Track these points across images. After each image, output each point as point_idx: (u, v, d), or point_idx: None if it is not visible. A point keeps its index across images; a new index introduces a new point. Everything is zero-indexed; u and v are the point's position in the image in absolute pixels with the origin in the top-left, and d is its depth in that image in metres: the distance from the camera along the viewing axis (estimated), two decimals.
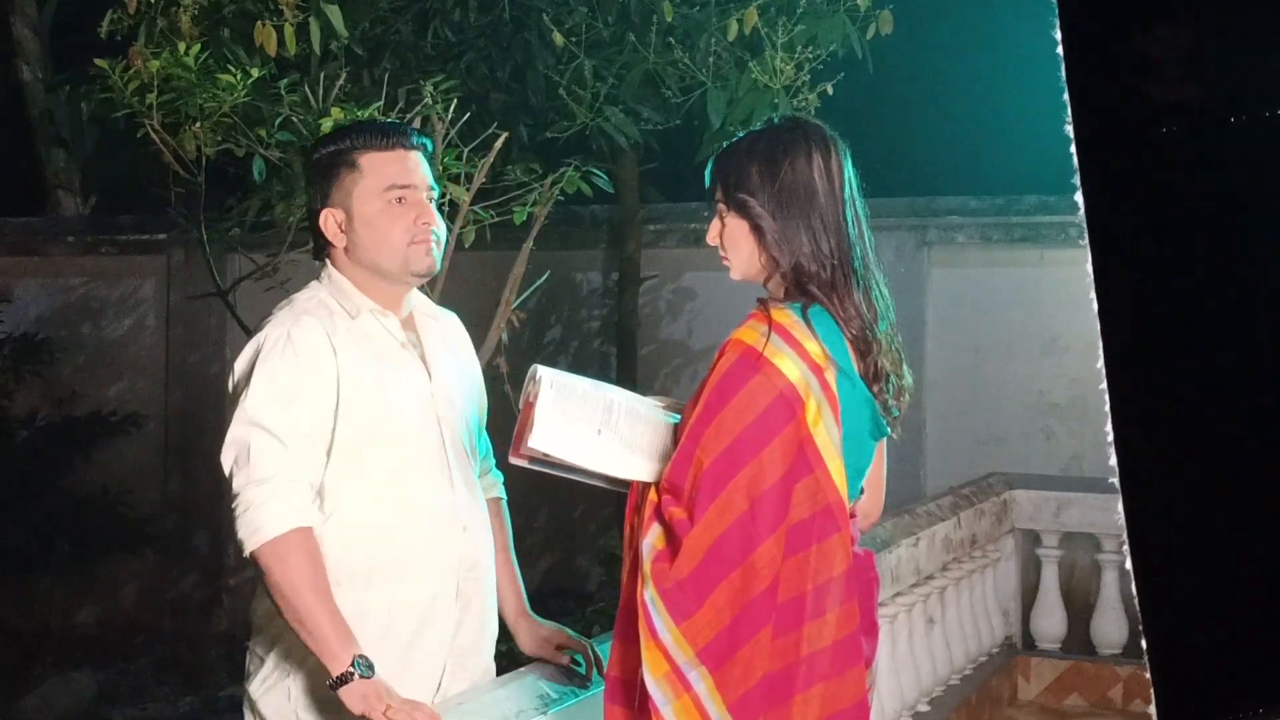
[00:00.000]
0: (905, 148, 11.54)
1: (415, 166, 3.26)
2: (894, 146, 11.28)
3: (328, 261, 3.30)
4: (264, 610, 3.30)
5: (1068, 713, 6.81)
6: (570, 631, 3.51)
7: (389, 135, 3.25)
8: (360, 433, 3.17)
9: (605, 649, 2.98)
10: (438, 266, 3.30)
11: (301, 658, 3.21)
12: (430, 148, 3.35)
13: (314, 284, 3.32)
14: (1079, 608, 7.17)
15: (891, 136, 11.40)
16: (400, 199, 3.21)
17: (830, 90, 6.25)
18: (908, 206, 8.74)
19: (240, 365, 3.18)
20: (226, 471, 3.10)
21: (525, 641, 3.52)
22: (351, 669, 2.98)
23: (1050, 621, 7.06)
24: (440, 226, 3.27)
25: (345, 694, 2.98)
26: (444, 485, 3.29)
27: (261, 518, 3.03)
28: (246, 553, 3.05)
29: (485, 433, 3.55)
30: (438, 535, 3.26)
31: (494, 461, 3.60)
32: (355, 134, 3.27)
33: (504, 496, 3.60)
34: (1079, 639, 7.07)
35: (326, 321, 3.19)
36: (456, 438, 3.32)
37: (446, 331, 3.45)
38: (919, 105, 11.65)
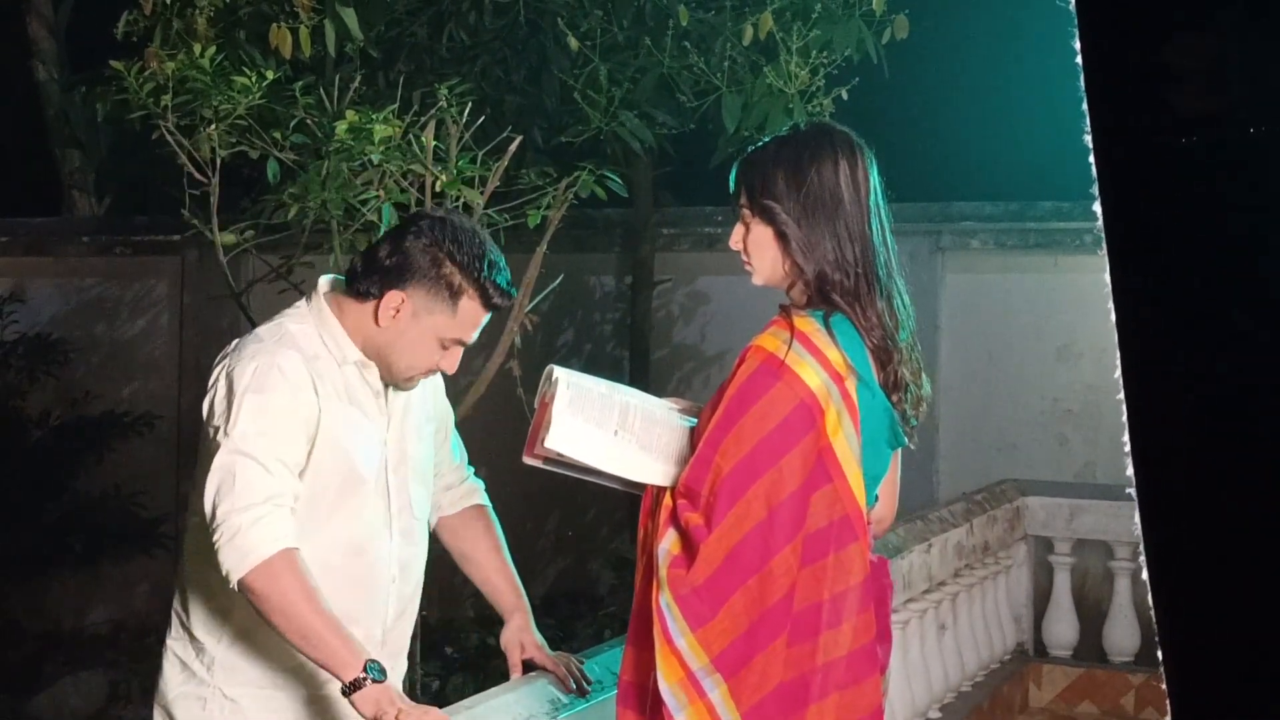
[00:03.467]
0: (920, 153, 11.51)
1: (481, 326, 3.29)
2: (909, 152, 11.25)
3: (332, 298, 3.28)
4: (196, 614, 3.32)
5: None
6: (549, 653, 3.57)
7: (502, 298, 3.25)
8: (323, 473, 3.20)
9: (617, 654, 2.98)
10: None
11: (227, 666, 3.26)
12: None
13: (301, 312, 3.30)
14: (1091, 615, 7.15)
15: (906, 141, 11.36)
16: (450, 347, 3.26)
17: (845, 95, 6.24)
18: (922, 212, 8.72)
19: (219, 394, 3.17)
20: (209, 500, 3.07)
21: (506, 634, 3.60)
22: (364, 674, 2.98)
23: (1062, 628, 7.04)
24: (452, 371, 3.31)
25: (359, 699, 2.98)
26: (383, 534, 3.34)
27: (250, 541, 3.01)
28: (234, 580, 3.02)
29: (460, 447, 3.66)
30: (373, 581, 3.33)
31: (472, 470, 3.70)
32: (477, 269, 3.21)
33: (487, 503, 3.69)
34: (1091, 646, 7.06)
35: (311, 361, 3.20)
36: (403, 487, 3.36)
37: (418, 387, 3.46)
38: (934, 110, 11.64)
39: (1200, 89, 1.07)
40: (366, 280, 3.22)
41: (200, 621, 3.31)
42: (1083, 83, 1.09)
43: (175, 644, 3.39)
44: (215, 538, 3.03)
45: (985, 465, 8.09)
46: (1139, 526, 1.13)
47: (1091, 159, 1.10)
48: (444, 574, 10.42)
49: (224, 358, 3.21)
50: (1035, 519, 7.04)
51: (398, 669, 3.44)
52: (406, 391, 3.35)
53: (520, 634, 3.58)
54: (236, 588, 3.03)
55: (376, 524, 3.32)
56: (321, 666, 3.06)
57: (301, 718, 3.33)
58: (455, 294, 3.19)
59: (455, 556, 3.69)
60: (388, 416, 3.32)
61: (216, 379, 3.18)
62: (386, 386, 3.32)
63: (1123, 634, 6.91)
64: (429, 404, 3.50)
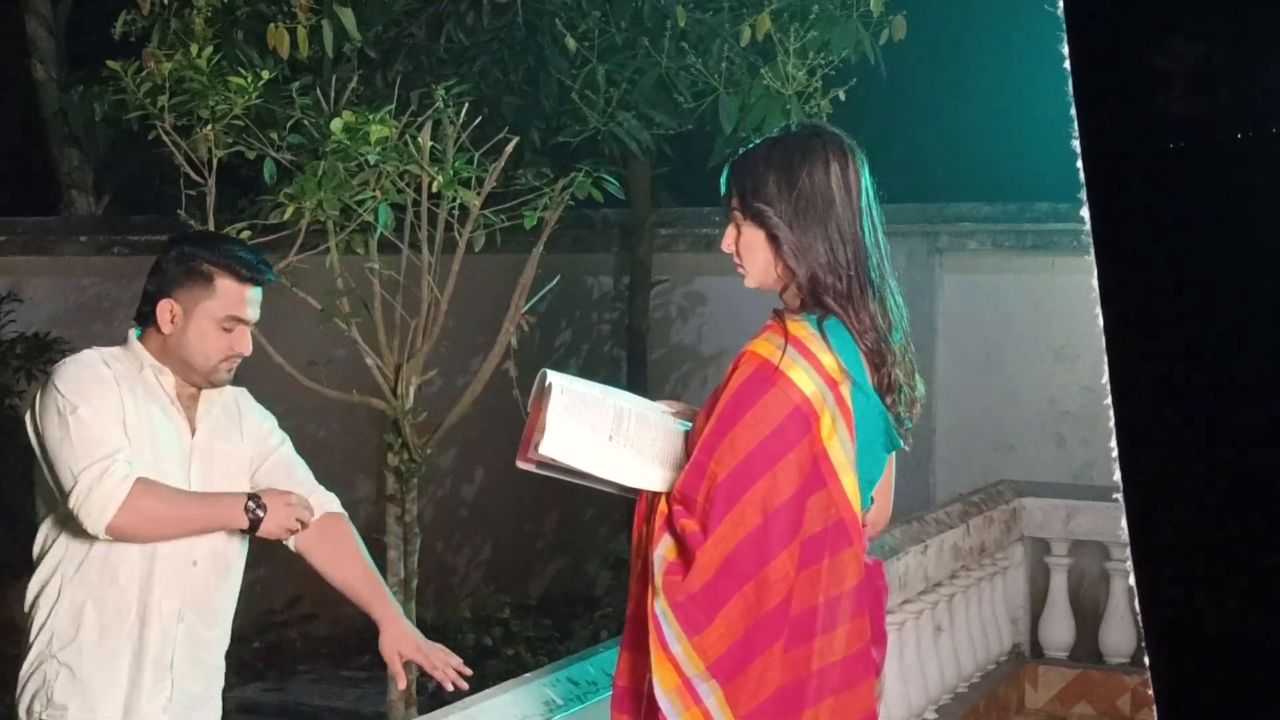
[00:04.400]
0: (917, 153, 11.50)
1: (254, 301, 3.61)
2: (906, 152, 11.25)
3: (132, 335, 3.62)
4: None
5: None
6: (423, 642, 3.69)
7: (250, 270, 3.58)
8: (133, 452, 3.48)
9: (613, 656, 2.98)
10: (230, 381, 3.66)
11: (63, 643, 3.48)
12: (271, 279, 3.68)
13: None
14: (1088, 616, 7.15)
15: (904, 142, 11.37)
16: (231, 328, 3.56)
17: (843, 96, 6.24)
18: (919, 213, 8.72)
19: (40, 398, 3.48)
20: (67, 487, 3.37)
21: (382, 643, 3.69)
22: (249, 514, 3.44)
23: (1059, 630, 7.04)
24: (248, 350, 3.63)
25: (266, 533, 3.48)
26: None
27: (103, 492, 3.32)
28: (103, 528, 3.33)
29: (304, 469, 3.82)
30: (174, 558, 3.51)
31: (321, 486, 3.84)
32: (222, 254, 3.59)
33: (342, 511, 3.84)
34: (1087, 647, 7.06)
35: (113, 362, 3.54)
36: (209, 482, 3.59)
37: (227, 404, 3.72)
38: (931, 111, 11.63)
39: (1187, 92, 1.07)
40: (144, 308, 3.59)
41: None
42: (1070, 87, 1.09)
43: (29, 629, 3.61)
44: (71, 502, 3.34)
45: (982, 466, 8.08)
46: (1125, 530, 1.14)
47: (1079, 163, 1.10)
48: (441, 576, 10.46)
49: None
50: (1032, 520, 7.03)
51: (202, 660, 3.62)
52: (211, 401, 3.64)
53: (397, 641, 3.68)
54: (107, 536, 3.35)
55: None
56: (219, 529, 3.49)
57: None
58: (208, 278, 3.52)
59: (317, 566, 3.78)
60: (189, 421, 3.60)
61: (34, 396, 3.53)
62: (186, 401, 3.61)
63: (1119, 635, 6.90)
64: (248, 430, 3.75)
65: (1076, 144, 1.10)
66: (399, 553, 5.96)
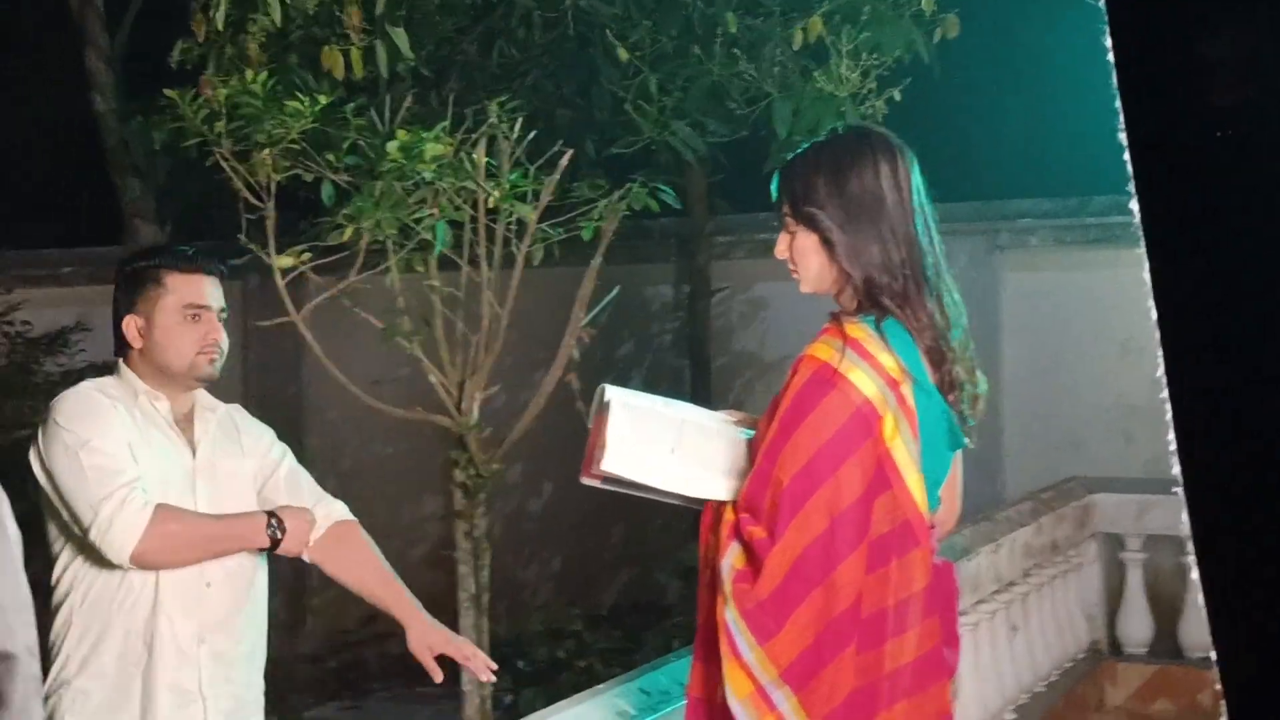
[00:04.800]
0: (975, 151, 11.44)
1: (211, 289, 3.65)
2: (963, 150, 11.19)
3: (120, 361, 3.67)
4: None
5: (1156, 718, 6.73)
6: (451, 635, 3.72)
7: (191, 260, 3.66)
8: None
9: (685, 664, 2.97)
10: (216, 375, 3.66)
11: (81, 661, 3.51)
12: (224, 273, 3.73)
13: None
14: (1165, 611, 7.07)
15: (961, 140, 11.30)
16: (195, 316, 3.60)
17: (897, 96, 6.21)
18: (978, 211, 8.67)
19: (44, 433, 3.52)
20: (87, 521, 3.39)
21: (411, 641, 3.69)
22: (269, 532, 3.51)
23: (1136, 626, 6.97)
24: (225, 341, 3.65)
25: (285, 551, 3.55)
26: None
27: (126, 520, 3.36)
28: (127, 557, 3.38)
29: (304, 478, 3.81)
30: (184, 583, 3.52)
31: (327, 495, 3.83)
32: (163, 255, 3.73)
33: (353, 518, 3.82)
34: (1166, 643, 6.98)
35: (109, 395, 3.56)
36: (216, 509, 3.60)
37: (224, 421, 3.74)
38: (987, 108, 11.55)
39: (1234, 81, 1.06)
40: (115, 337, 3.67)
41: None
42: (1114, 78, 1.09)
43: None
44: (93, 535, 3.37)
45: (1051, 464, 8.01)
46: (1188, 524, 1.12)
47: (1126, 155, 1.09)
48: (512, 590, 10.50)
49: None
50: (1104, 516, 6.97)
51: (232, 678, 3.62)
52: (207, 421, 3.67)
53: (425, 636, 3.67)
54: (132, 565, 3.39)
55: None
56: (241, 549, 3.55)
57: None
58: (156, 279, 3.60)
59: (332, 573, 3.79)
60: (188, 443, 3.63)
61: (36, 434, 3.55)
62: (184, 423, 3.64)
63: (1198, 630, 6.81)
64: (249, 446, 3.75)
65: (1123, 136, 1.09)
66: (469, 568, 5.99)
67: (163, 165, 12.12)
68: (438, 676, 3.66)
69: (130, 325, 3.61)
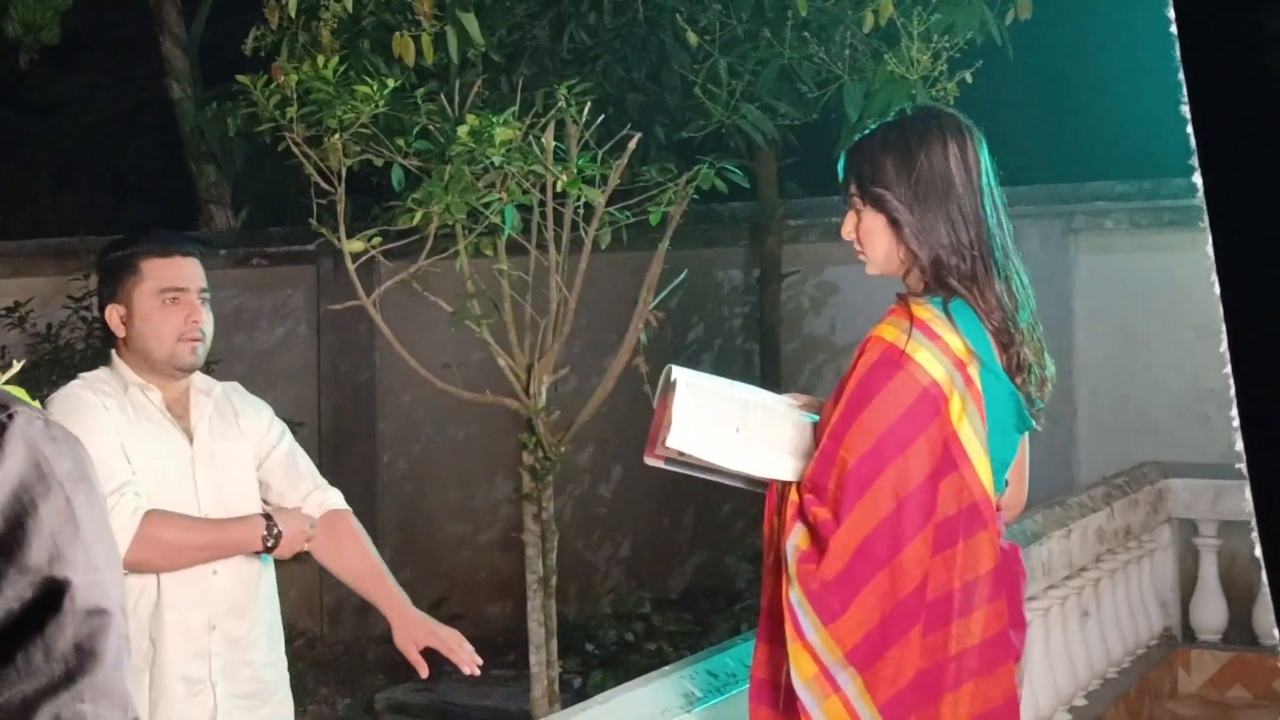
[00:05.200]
0: (1048, 133, 11.34)
1: (189, 271, 3.65)
2: (1037, 132, 11.09)
3: (112, 353, 3.67)
4: None
5: (1231, 705, 6.65)
6: (436, 627, 3.71)
7: (167, 244, 3.66)
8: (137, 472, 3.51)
9: (750, 647, 2.97)
10: (200, 363, 3.66)
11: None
12: (203, 253, 3.74)
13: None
14: (1240, 597, 6.99)
15: (1034, 123, 11.21)
16: (174, 299, 3.59)
17: (969, 78, 6.16)
18: (1052, 193, 8.59)
19: None
20: None
21: (396, 636, 3.70)
22: (267, 534, 3.48)
23: (1210, 612, 6.90)
24: (208, 323, 3.65)
25: (281, 554, 3.52)
26: None
27: (115, 526, 3.27)
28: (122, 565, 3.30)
29: (302, 459, 3.81)
30: (185, 589, 3.52)
31: (324, 481, 3.84)
32: (138, 242, 3.69)
33: (346, 507, 3.83)
34: (1241, 629, 6.90)
35: (99, 391, 3.56)
36: (218, 496, 3.62)
37: (220, 403, 3.73)
38: (1061, 89, 11.45)
39: None
40: (102, 329, 3.71)
41: None
42: (1178, 52, 1.07)
43: None
44: None
45: (1126, 448, 7.93)
46: (1251, 506, 1.11)
47: (1190, 129, 1.08)
48: (582, 574, 10.54)
49: None
50: (1179, 501, 6.90)
51: (251, 659, 3.62)
52: (202, 405, 3.66)
53: (409, 630, 3.68)
54: (124, 570, 3.28)
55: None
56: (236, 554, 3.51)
57: None
58: (133, 266, 3.60)
59: (322, 561, 3.79)
60: (184, 431, 3.62)
61: None
62: (179, 410, 3.64)
63: (1274, 616, 6.73)
64: (247, 428, 3.74)
65: (1185, 110, 1.08)
66: (537, 550, 6.01)
67: (238, 152, 12.26)
68: (423, 671, 3.64)
69: (112, 315, 3.62)
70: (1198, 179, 1.08)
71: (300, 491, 3.75)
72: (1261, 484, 1.11)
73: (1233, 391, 1.10)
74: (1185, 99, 1.08)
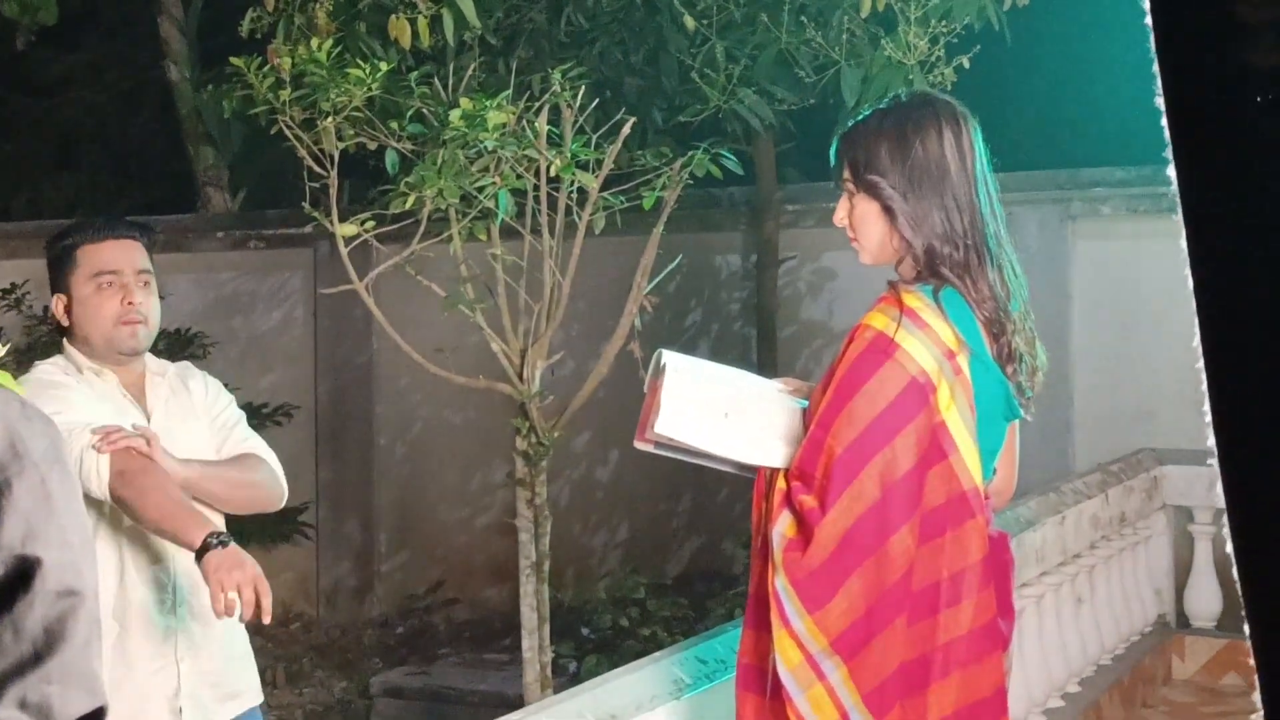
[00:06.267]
0: (1046, 119, 11.32)
1: (123, 253, 3.65)
2: (1035, 118, 11.07)
3: (64, 340, 3.70)
4: None
5: (1225, 692, 6.66)
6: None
7: (98, 229, 3.68)
8: None
9: (738, 634, 2.97)
10: (143, 346, 3.66)
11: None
12: (144, 236, 3.72)
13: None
14: (1234, 585, 6.97)
15: (1031, 108, 11.19)
16: (108, 283, 3.60)
17: (967, 64, 6.15)
18: (1050, 179, 8.57)
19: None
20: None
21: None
22: (211, 539, 3.22)
23: (1205, 599, 6.90)
24: (149, 305, 3.63)
25: (206, 562, 3.22)
26: None
27: (95, 458, 3.33)
28: (105, 494, 3.33)
29: (242, 425, 3.82)
30: (150, 547, 3.55)
31: (252, 437, 3.82)
32: (75, 230, 3.70)
33: (260, 455, 3.78)
34: (1235, 616, 6.84)
35: (62, 374, 3.60)
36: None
37: (173, 383, 3.75)
38: (1059, 75, 11.42)
39: (1272, 46, 1.03)
40: (52, 327, 3.74)
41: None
42: (1152, 43, 1.07)
43: None
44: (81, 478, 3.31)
45: (1123, 435, 7.92)
46: (1222, 498, 1.11)
47: (1164, 121, 1.07)
48: (577, 558, 10.53)
49: None
50: (1174, 488, 6.90)
51: (212, 635, 3.59)
52: (157, 385, 3.69)
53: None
54: (110, 499, 3.35)
55: None
56: (173, 541, 3.38)
57: None
58: (70, 255, 3.62)
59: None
60: (144, 410, 3.63)
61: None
62: (134, 391, 3.66)
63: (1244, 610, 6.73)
64: (201, 405, 3.76)
65: (1160, 101, 1.08)
66: (530, 535, 6.01)
67: (236, 134, 12.25)
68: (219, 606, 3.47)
69: (57, 305, 3.65)
70: (1171, 171, 1.07)
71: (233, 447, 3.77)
72: (1232, 477, 1.10)
73: (1204, 386, 1.10)
74: (1160, 90, 1.07)
